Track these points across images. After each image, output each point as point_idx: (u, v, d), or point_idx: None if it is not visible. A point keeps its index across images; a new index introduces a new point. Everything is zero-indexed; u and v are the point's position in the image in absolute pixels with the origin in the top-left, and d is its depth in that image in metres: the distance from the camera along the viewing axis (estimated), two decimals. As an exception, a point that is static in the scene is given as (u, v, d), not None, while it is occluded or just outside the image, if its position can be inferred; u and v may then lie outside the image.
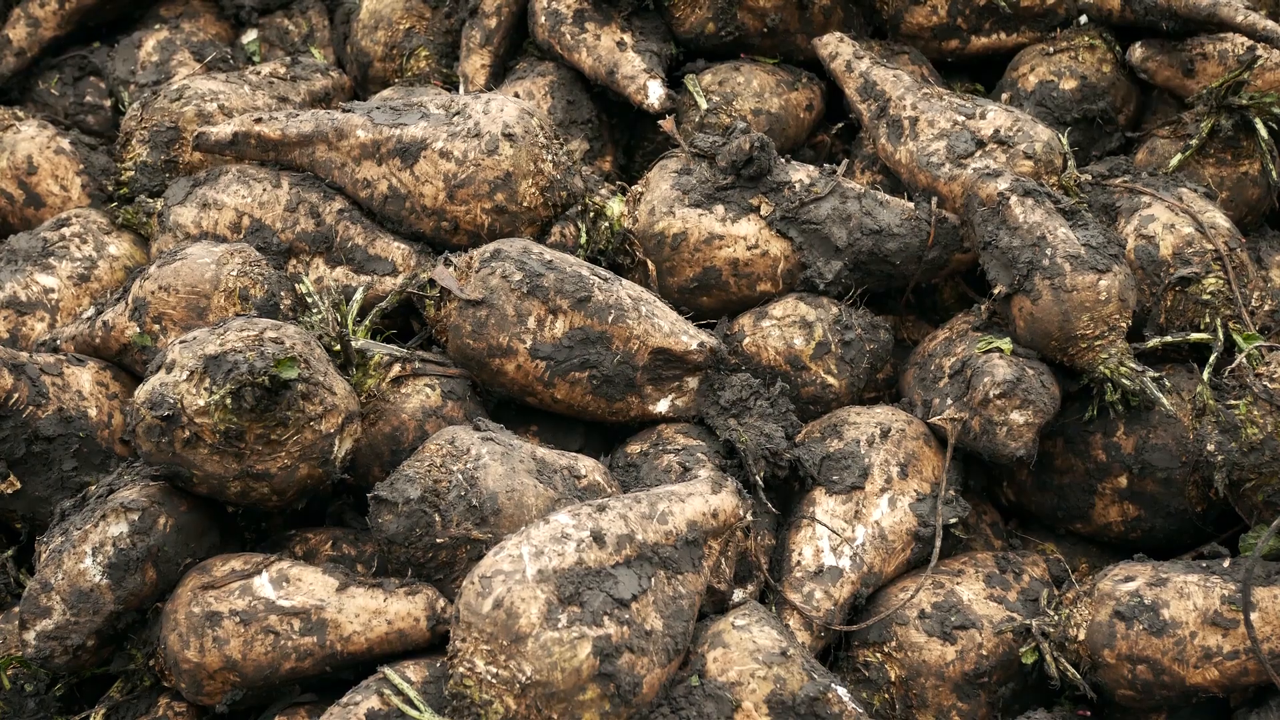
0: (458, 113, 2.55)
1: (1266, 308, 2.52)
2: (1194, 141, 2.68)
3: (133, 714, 2.25)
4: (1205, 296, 2.49)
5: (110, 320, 2.46)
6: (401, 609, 2.16)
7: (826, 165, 2.66)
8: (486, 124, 2.53)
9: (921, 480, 2.40)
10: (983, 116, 2.66)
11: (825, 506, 2.37)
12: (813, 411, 2.51)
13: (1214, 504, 2.41)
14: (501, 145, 2.51)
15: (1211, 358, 2.43)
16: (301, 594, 2.17)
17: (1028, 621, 2.29)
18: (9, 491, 2.38)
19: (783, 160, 2.63)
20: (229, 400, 2.14)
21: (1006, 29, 2.91)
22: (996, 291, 2.43)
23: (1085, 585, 2.30)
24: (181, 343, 2.21)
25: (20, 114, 3.06)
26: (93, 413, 2.42)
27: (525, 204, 2.52)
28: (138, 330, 2.43)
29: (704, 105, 2.80)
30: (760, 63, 2.94)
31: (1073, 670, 2.24)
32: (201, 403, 2.15)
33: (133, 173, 2.79)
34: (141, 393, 2.21)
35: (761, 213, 2.56)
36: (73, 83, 3.20)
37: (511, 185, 2.51)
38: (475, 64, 3.02)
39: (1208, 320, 2.49)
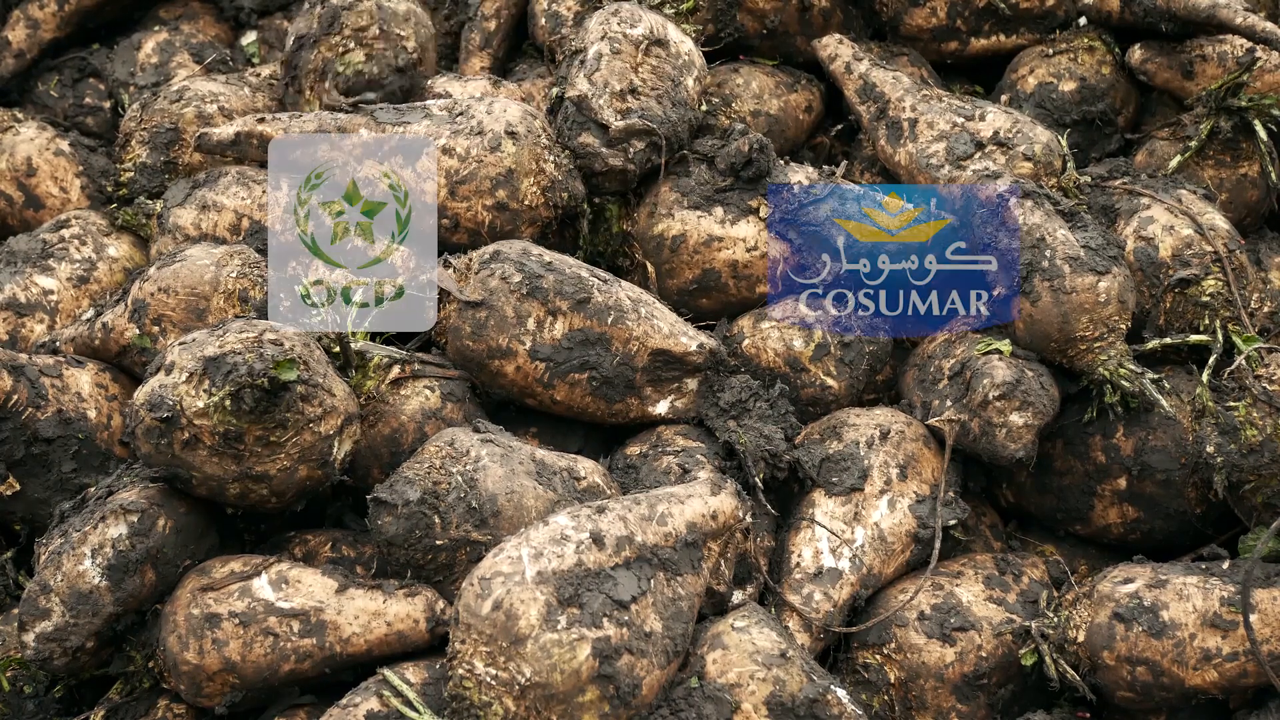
0: (461, 113, 2.55)
1: (1266, 309, 2.53)
2: (1193, 143, 2.68)
3: (132, 716, 2.25)
4: (1204, 298, 2.49)
5: (110, 322, 2.46)
6: (401, 611, 2.16)
7: (826, 167, 2.66)
8: (490, 123, 2.53)
9: (921, 482, 2.40)
10: (982, 118, 2.66)
11: (825, 508, 2.37)
12: (812, 413, 2.51)
13: (1213, 506, 2.41)
14: (504, 143, 2.51)
15: (1211, 360, 2.43)
16: (301, 596, 2.17)
17: (1027, 623, 2.29)
18: (8, 493, 2.38)
19: (782, 162, 2.63)
20: (228, 402, 2.14)
21: (1006, 31, 2.91)
22: (996, 293, 2.43)
23: (1084, 587, 2.29)
24: (180, 344, 2.21)
25: (20, 115, 3.06)
26: (92, 414, 2.42)
27: (526, 202, 2.52)
28: (137, 332, 2.43)
29: (702, 108, 2.80)
30: (759, 64, 2.94)
31: (1072, 672, 2.24)
32: (200, 404, 2.15)
33: (132, 174, 2.78)
34: (141, 394, 2.21)
35: (761, 214, 2.57)
36: (72, 84, 3.20)
37: (513, 183, 2.51)
38: (475, 66, 3.02)
39: (1207, 322, 2.49)
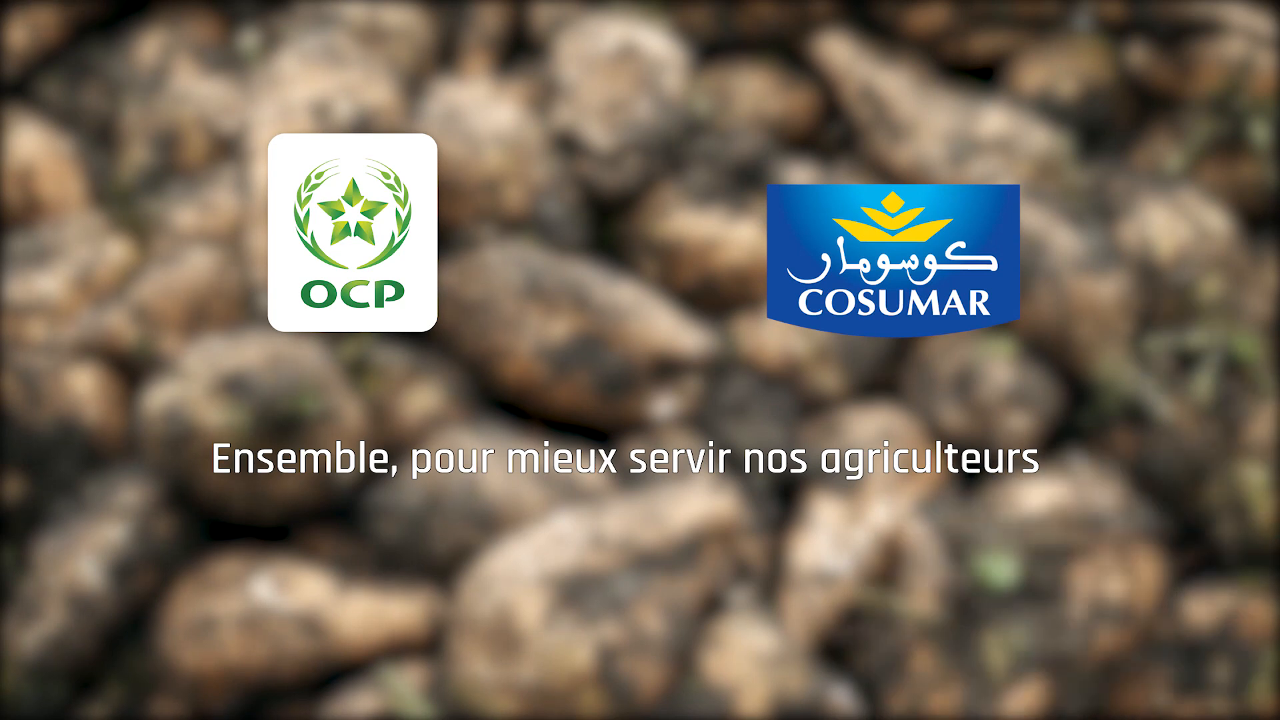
0: (454, 115, 2.56)
1: (1265, 311, 2.53)
2: (1193, 144, 2.69)
3: (131, 718, 2.25)
4: (1204, 300, 2.50)
5: (110, 323, 2.46)
6: (401, 611, 2.17)
7: (825, 167, 2.67)
8: (479, 126, 2.53)
9: (921, 483, 2.41)
10: (982, 119, 2.67)
11: (825, 508, 2.38)
12: (812, 414, 2.51)
13: (1214, 507, 2.41)
14: (489, 147, 2.51)
15: (1210, 361, 2.43)
16: (300, 596, 2.17)
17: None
18: (7, 495, 2.38)
19: (782, 162, 2.63)
20: (245, 424, 2.14)
21: (1006, 31, 2.91)
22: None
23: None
24: (196, 351, 2.21)
25: (19, 115, 3.06)
26: (91, 415, 2.42)
27: (512, 208, 2.52)
28: (137, 333, 2.43)
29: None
30: (759, 64, 2.94)
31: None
32: (215, 421, 2.16)
33: (132, 174, 2.79)
34: (154, 401, 2.20)
35: (761, 215, 2.57)
36: (72, 84, 3.20)
37: (496, 188, 2.51)
38: (474, 67, 3.02)
39: (1207, 323, 2.49)
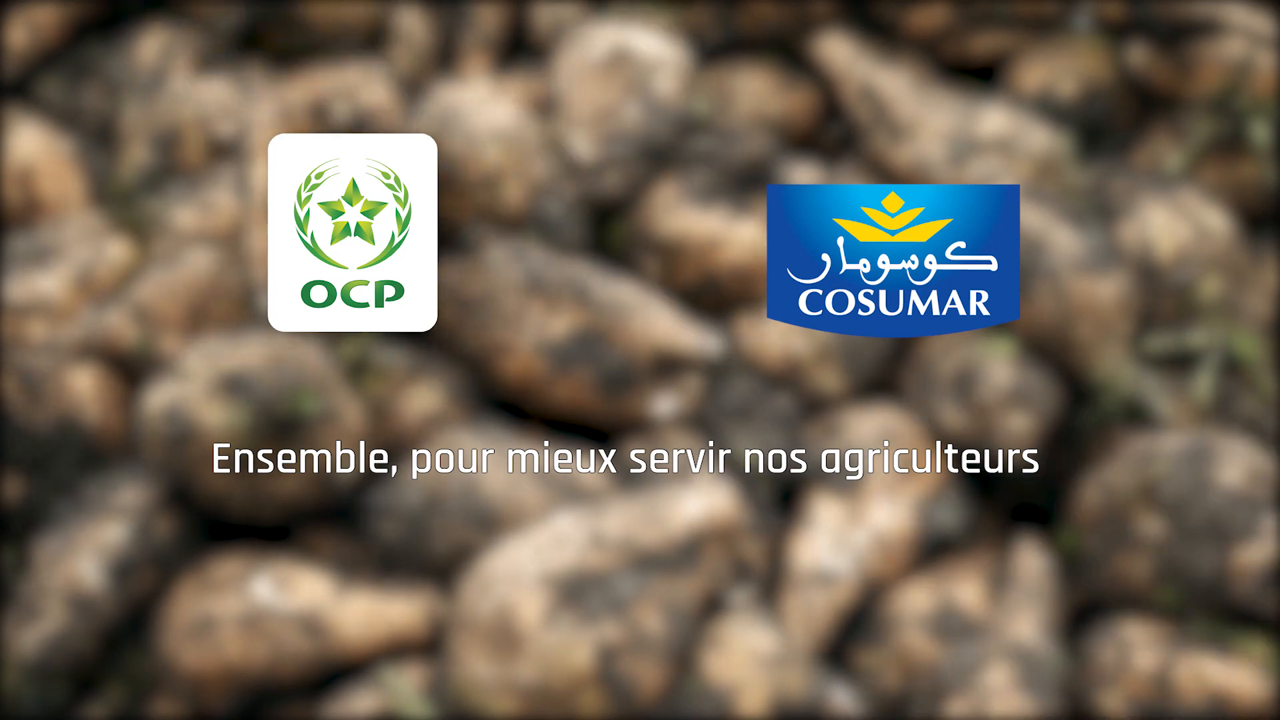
0: (452, 114, 2.56)
1: (1265, 311, 2.53)
2: (1193, 144, 2.69)
3: (130, 718, 2.25)
4: (1204, 300, 2.50)
5: (109, 323, 2.46)
6: (401, 611, 2.17)
7: (826, 167, 2.67)
8: (478, 122, 2.53)
9: (921, 483, 2.41)
10: (982, 119, 2.67)
11: (825, 509, 2.38)
12: (812, 413, 2.51)
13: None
14: (488, 144, 2.51)
15: (1210, 361, 2.43)
16: (300, 596, 2.17)
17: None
18: (7, 495, 2.38)
19: (782, 162, 2.63)
20: (245, 424, 2.14)
21: (1006, 31, 2.91)
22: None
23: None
24: (196, 351, 2.21)
25: (19, 115, 3.05)
26: (91, 415, 2.42)
27: (512, 204, 2.52)
28: (137, 334, 2.43)
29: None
30: (759, 64, 2.94)
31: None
32: (215, 421, 2.16)
33: (132, 174, 2.78)
34: (154, 401, 2.20)
35: (761, 214, 2.57)
36: (72, 84, 3.20)
37: (495, 185, 2.51)
38: (473, 66, 3.02)
39: (1207, 324, 2.49)
